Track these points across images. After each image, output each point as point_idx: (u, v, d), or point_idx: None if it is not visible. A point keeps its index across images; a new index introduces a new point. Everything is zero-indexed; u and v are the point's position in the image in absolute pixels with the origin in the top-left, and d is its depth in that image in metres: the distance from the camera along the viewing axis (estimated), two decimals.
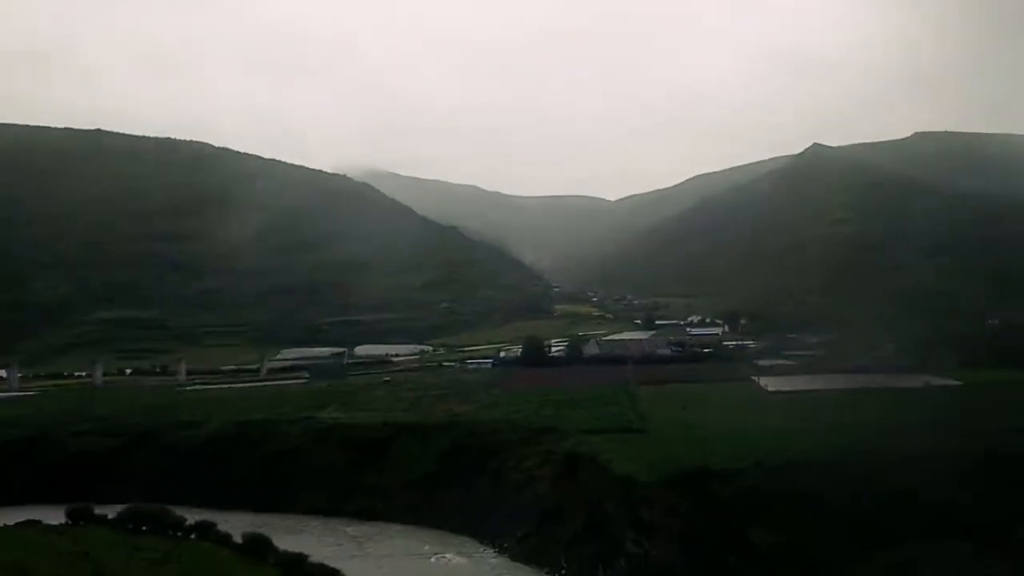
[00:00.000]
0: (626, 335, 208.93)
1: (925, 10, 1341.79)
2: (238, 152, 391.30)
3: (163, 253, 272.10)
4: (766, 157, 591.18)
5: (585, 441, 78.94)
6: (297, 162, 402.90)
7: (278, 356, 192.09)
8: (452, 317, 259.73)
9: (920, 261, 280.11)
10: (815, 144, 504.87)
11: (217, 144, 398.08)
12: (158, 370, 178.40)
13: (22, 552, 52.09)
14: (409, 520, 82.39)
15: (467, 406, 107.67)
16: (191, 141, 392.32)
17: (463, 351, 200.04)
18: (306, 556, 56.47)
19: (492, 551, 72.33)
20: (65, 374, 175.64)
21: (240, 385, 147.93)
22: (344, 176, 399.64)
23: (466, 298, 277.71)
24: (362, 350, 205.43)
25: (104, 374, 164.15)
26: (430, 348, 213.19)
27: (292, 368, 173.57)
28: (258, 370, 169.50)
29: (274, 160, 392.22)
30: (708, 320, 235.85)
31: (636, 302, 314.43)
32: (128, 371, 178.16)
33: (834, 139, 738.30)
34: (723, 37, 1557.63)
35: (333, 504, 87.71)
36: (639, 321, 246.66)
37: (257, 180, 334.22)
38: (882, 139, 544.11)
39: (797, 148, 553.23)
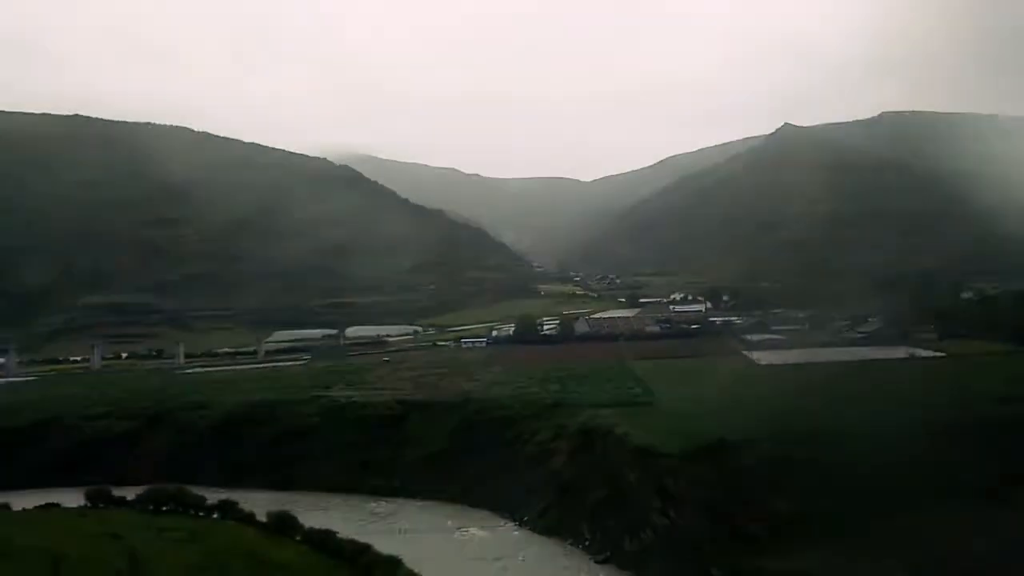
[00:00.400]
0: (612, 313, 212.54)
1: None
2: (218, 136, 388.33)
3: (148, 238, 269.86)
4: (738, 137, 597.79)
5: (597, 415, 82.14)
6: (276, 146, 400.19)
7: (271, 339, 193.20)
8: (440, 298, 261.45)
9: (894, 238, 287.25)
10: (786, 124, 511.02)
11: (197, 129, 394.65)
12: (154, 354, 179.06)
13: (52, 535, 54.48)
14: (427, 496, 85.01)
15: (473, 383, 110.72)
16: (171, 126, 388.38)
17: (454, 331, 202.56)
18: (334, 532, 58.94)
19: (513, 524, 75.04)
20: (60, 359, 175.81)
21: (240, 367, 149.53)
22: (325, 160, 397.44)
23: (453, 279, 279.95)
24: (353, 331, 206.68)
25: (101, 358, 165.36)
26: (421, 328, 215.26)
27: (289, 350, 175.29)
28: (255, 352, 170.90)
29: (254, 144, 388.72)
30: (690, 298, 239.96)
31: (619, 281, 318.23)
32: (124, 355, 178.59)
33: (803, 119, 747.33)
34: (695, 20, 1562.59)
35: (350, 481, 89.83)
36: (623, 299, 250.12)
37: (238, 164, 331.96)
38: (850, 119, 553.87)
39: (768, 128, 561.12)
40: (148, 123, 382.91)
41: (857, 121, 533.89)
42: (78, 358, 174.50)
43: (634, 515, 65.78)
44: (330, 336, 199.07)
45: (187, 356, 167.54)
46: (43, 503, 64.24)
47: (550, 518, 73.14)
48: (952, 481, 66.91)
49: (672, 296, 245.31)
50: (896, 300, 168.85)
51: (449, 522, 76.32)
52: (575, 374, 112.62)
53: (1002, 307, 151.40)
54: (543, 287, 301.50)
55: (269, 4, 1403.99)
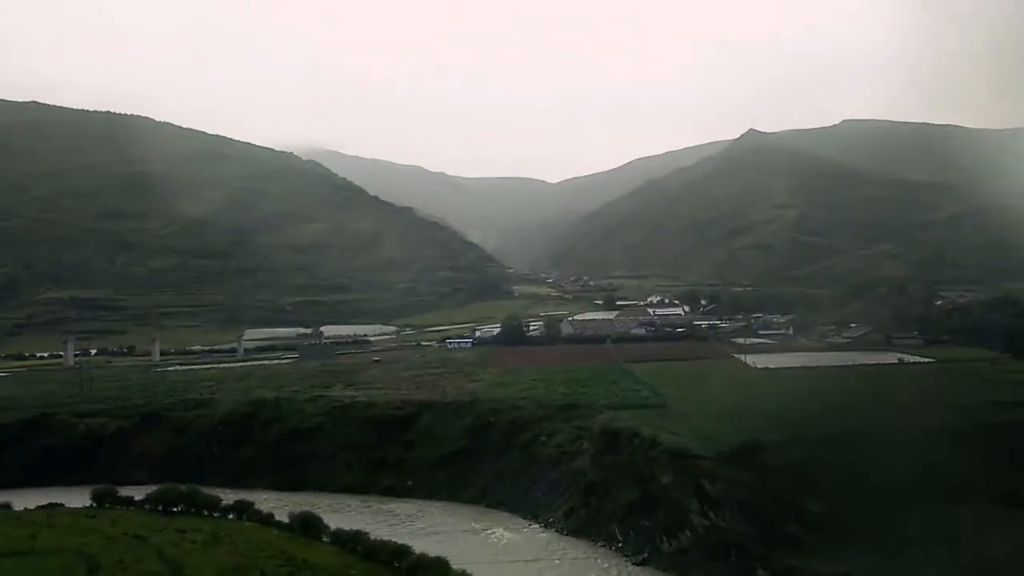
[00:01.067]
0: (592, 315, 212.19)
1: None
2: (182, 128, 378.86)
3: (112, 231, 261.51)
4: (704, 142, 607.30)
5: (616, 417, 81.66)
6: (240, 139, 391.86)
7: (244, 337, 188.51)
8: (413, 298, 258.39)
9: (861, 245, 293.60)
10: (751, 130, 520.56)
11: (159, 119, 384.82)
12: (125, 350, 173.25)
13: (72, 536, 52.02)
14: (443, 497, 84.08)
15: (475, 384, 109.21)
16: (132, 115, 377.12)
17: (433, 331, 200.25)
18: (365, 533, 57.33)
19: (538, 526, 74.16)
20: (26, 354, 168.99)
21: (223, 365, 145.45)
22: (292, 154, 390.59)
23: (425, 279, 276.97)
24: (328, 331, 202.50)
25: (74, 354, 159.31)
26: (397, 328, 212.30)
27: (268, 348, 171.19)
28: (234, 350, 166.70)
29: (219, 136, 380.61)
30: (667, 301, 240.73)
31: (592, 283, 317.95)
32: (94, 351, 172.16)
33: (767, 125, 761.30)
34: (662, 26, 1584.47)
35: (362, 481, 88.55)
36: (600, 301, 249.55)
37: (203, 157, 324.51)
38: (813, 126, 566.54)
39: (732, 133, 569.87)
40: (109, 112, 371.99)
41: (820, 128, 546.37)
42: (45, 354, 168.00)
43: (670, 517, 65.65)
44: (305, 335, 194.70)
45: (161, 353, 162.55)
46: (44, 503, 62.42)
47: (577, 520, 72.57)
48: (972, 483, 68.75)
49: (650, 299, 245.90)
50: (871, 306, 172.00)
51: (474, 524, 75.15)
52: (576, 376, 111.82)
53: (977, 314, 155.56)
54: (517, 288, 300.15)
55: None
